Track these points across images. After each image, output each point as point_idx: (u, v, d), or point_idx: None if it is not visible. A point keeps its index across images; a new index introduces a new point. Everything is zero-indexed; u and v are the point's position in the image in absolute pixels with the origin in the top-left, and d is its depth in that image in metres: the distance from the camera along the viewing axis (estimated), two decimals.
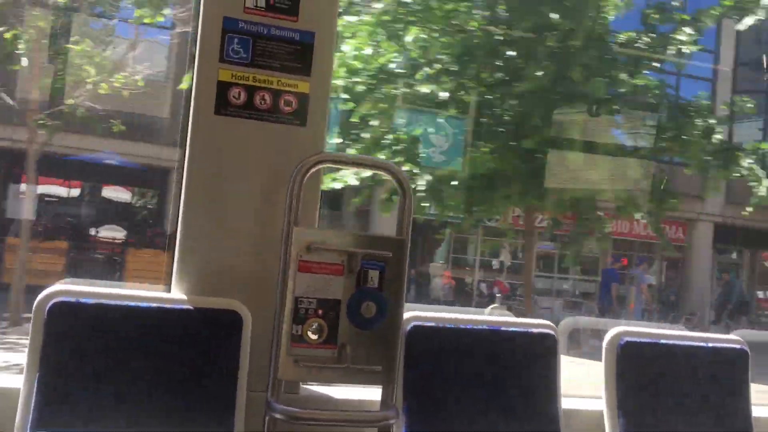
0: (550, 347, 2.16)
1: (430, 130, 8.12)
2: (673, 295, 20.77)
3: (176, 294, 1.96)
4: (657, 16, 7.96)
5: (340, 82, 6.87)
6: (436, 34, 7.42)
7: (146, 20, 7.57)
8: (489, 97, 7.90)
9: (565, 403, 2.17)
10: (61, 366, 1.74)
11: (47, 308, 1.74)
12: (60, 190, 15.68)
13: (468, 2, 7.62)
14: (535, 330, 2.18)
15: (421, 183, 7.47)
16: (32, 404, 1.71)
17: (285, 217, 1.83)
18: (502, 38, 7.60)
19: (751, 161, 8.10)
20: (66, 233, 13.53)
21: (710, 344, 2.36)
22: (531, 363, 2.15)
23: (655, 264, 20.82)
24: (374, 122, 7.34)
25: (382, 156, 7.05)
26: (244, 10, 2.02)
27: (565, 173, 8.10)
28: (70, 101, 8.70)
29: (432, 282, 18.11)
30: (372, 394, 2.00)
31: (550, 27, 7.44)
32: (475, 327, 2.13)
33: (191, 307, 1.88)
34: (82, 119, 8.83)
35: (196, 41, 2.03)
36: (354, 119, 7.24)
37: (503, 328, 2.17)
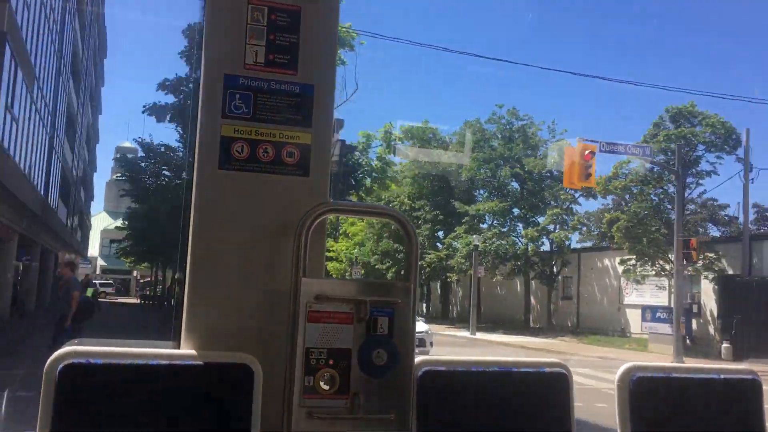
0: (563, 387, 2.14)
1: None
2: None
3: (186, 350, 1.95)
4: None
5: None
6: None
7: None
8: None
9: None
10: (73, 430, 1.72)
11: (58, 371, 1.73)
12: None
13: None
14: (547, 369, 2.16)
15: None
16: None
17: (293, 268, 1.84)
18: None
19: None
20: None
21: (722, 376, 2.35)
22: (544, 405, 2.13)
23: None
24: None
25: None
26: (244, 66, 2.05)
27: None
28: None
29: None
30: None
31: None
32: (486, 369, 2.12)
33: (201, 363, 1.87)
34: None
35: (198, 98, 2.06)
36: None
37: (515, 369, 2.16)
